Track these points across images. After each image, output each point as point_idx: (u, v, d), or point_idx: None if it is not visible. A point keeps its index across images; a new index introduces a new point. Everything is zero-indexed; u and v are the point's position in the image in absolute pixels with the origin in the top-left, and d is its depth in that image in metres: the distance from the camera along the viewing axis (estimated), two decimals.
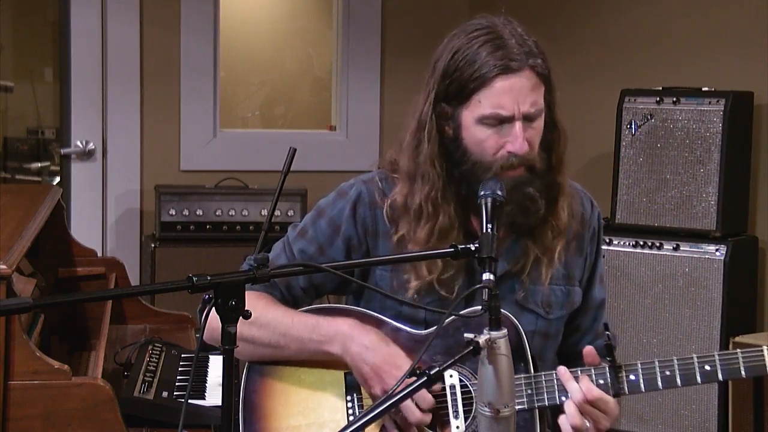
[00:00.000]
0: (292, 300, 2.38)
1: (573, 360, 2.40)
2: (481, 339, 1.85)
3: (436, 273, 2.28)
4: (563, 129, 2.31)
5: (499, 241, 2.27)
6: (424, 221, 2.28)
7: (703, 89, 4.25)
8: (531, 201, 2.23)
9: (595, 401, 2.20)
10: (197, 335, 3.33)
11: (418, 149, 2.29)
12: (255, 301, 2.27)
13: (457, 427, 2.24)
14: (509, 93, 2.18)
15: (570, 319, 2.41)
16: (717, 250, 4.13)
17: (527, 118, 2.21)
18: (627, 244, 4.31)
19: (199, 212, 4.77)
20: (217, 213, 4.79)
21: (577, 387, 2.20)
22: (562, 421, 2.22)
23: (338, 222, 2.35)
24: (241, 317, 1.78)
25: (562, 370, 2.23)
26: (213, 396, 2.78)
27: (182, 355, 3.05)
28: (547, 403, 2.24)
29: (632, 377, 2.23)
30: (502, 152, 2.21)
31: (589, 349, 2.25)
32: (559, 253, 2.33)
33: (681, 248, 4.20)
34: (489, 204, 2.10)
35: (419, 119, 2.29)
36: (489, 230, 2.03)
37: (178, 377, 2.86)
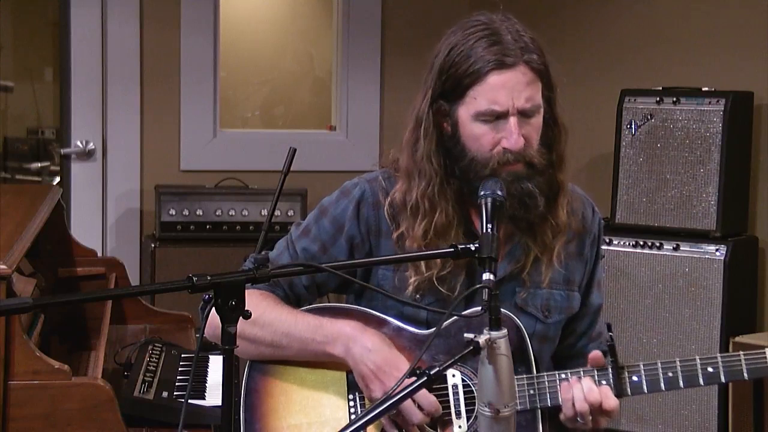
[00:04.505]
0: (294, 298, 2.38)
1: (567, 363, 2.40)
2: (481, 339, 1.85)
3: (435, 270, 2.28)
4: (564, 126, 2.30)
5: (501, 243, 2.28)
6: (421, 218, 2.28)
7: (703, 89, 4.25)
8: (529, 196, 2.22)
9: (594, 403, 2.20)
10: (197, 335, 3.33)
11: (416, 146, 2.29)
12: (258, 300, 2.27)
13: (460, 427, 2.24)
14: (503, 88, 2.18)
15: (567, 323, 2.41)
16: (717, 250, 4.13)
17: (523, 114, 2.20)
18: (627, 244, 4.31)
19: (199, 212, 4.77)
20: (217, 213, 4.79)
21: (580, 388, 2.21)
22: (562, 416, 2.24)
23: (341, 221, 2.35)
24: (241, 317, 1.78)
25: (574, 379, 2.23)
26: (213, 396, 2.77)
27: (182, 355, 3.04)
28: (549, 404, 2.24)
29: (635, 378, 2.23)
30: (498, 148, 2.21)
31: (595, 354, 2.25)
32: (558, 252, 2.32)
33: (681, 248, 4.19)
34: (489, 204, 2.10)
35: (417, 116, 2.29)
36: (489, 230, 2.03)
37: (178, 377, 2.86)
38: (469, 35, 2.22)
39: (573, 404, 2.20)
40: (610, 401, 2.20)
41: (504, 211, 2.17)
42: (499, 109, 2.19)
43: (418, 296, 2.30)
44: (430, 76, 2.27)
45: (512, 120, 2.19)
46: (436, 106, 2.26)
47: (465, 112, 2.23)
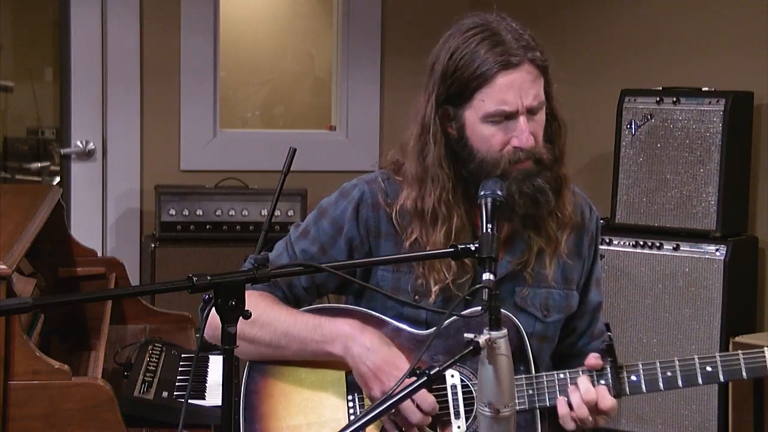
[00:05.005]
0: (294, 299, 2.38)
1: (568, 361, 2.40)
2: (481, 339, 1.85)
3: (452, 275, 2.28)
4: (563, 121, 2.31)
5: (504, 241, 2.28)
6: (441, 224, 2.28)
7: (703, 89, 4.25)
8: (541, 192, 2.23)
9: (591, 402, 2.20)
10: (197, 335, 3.33)
11: (424, 152, 2.28)
12: (257, 300, 2.27)
13: (459, 427, 2.24)
14: (512, 88, 2.18)
15: (566, 322, 2.41)
16: (717, 250, 4.13)
17: (530, 111, 2.21)
18: (627, 244, 4.31)
19: (199, 212, 4.77)
20: (217, 213, 4.79)
21: (578, 394, 2.21)
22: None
23: (341, 222, 2.35)
24: (241, 317, 1.78)
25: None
26: (213, 396, 2.78)
27: (182, 355, 3.04)
28: (548, 404, 2.24)
29: (633, 378, 2.23)
30: (509, 148, 2.21)
31: (592, 359, 2.25)
32: (563, 245, 2.33)
33: (681, 248, 4.20)
34: (489, 204, 2.10)
35: (422, 122, 2.28)
36: (489, 230, 2.03)
37: (178, 377, 2.86)
38: (469, 38, 2.22)
39: (570, 413, 2.21)
40: (607, 401, 2.20)
41: (515, 210, 2.19)
42: (508, 110, 2.19)
43: (417, 296, 2.30)
44: (431, 81, 2.27)
45: (522, 119, 2.20)
46: (441, 110, 2.26)
47: (473, 114, 2.22)
